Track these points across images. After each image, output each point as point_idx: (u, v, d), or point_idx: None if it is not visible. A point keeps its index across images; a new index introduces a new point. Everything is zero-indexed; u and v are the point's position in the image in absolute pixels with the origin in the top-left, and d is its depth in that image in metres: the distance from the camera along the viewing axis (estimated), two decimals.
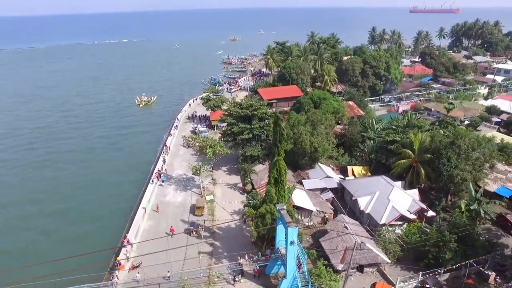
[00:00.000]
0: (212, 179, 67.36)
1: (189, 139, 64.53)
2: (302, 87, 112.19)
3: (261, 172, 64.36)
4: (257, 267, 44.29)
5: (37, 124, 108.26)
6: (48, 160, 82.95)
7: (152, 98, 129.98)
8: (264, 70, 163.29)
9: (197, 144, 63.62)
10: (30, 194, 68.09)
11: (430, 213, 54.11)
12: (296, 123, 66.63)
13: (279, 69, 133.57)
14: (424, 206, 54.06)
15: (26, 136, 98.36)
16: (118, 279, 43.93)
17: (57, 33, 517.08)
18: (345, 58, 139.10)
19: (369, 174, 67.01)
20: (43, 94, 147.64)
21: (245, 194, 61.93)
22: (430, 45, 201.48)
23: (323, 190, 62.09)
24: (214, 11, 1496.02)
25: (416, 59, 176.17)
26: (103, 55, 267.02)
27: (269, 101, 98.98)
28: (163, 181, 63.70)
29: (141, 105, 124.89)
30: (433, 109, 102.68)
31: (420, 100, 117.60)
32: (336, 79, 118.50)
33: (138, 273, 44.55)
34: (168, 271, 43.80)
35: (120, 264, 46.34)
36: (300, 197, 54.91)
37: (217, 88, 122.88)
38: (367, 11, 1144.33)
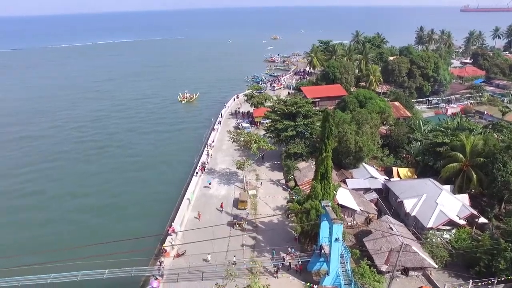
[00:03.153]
0: (255, 174, 68.20)
1: (234, 133, 65.72)
2: (345, 87, 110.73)
3: (304, 169, 64.32)
4: (300, 263, 44.40)
5: (88, 118, 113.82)
6: (98, 152, 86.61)
7: (195, 95, 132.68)
8: (307, 69, 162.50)
9: (242, 139, 64.64)
10: (82, 182, 71.69)
11: (482, 220, 51.80)
12: (341, 121, 65.93)
13: (323, 68, 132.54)
14: (475, 212, 51.82)
15: (78, 129, 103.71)
16: (164, 265, 45.49)
17: (99, 31, 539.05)
18: (390, 58, 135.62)
19: (415, 176, 65.13)
20: (95, 88, 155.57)
21: (288, 190, 62.21)
22: (483, 45, 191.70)
23: (366, 190, 61.12)
24: (253, 10, 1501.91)
25: (467, 60, 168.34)
26: (150, 53, 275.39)
27: (313, 100, 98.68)
28: (209, 183, 64.87)
29: (183, 102, 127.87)
30: (486, 112, 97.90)
31: (471, 103, 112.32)
32: (381, 79, 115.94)
33: (209, 254, 45.50)
34: (209, 254, 45.17)
35: (165, 251, 47.95)
36: (343, 196, 54.38)
37: (260, 85, 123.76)
38: (414, 10, 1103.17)
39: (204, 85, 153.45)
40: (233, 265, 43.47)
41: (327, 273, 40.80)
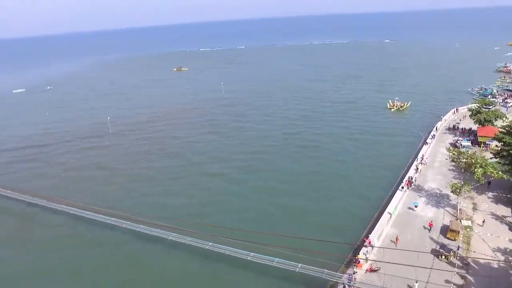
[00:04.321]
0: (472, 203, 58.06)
1: (455, 152, 57.34)
2: None
3: None
4: None
5: (296, 116, 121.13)
6: (300, 151, 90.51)
7: (406, 103, 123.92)
8: None
9: (464, 160, 55.78)
10: (281, 178, 76.08)
11: None
12: None
13: None
14: None
15: (285, 126, 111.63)
16: (356, 276, 43.68)
17: (315, 31, 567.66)
18: None
19: None
20: (306, 87, 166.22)
21: None
22: None
23: None
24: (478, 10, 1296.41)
25: None
26: (363, 55, 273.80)
27: None
28: (415, 206, 58.47)
29: (392, 110, 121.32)
30: None
31: None
32: None
33: (416, 282, 41.03)
34: (416, 281, 40.69)
35: (358, 262, 46.02)
36: None
37: (489, 99, 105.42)
38: None
39: (418, 93, 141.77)
40: None
41: None
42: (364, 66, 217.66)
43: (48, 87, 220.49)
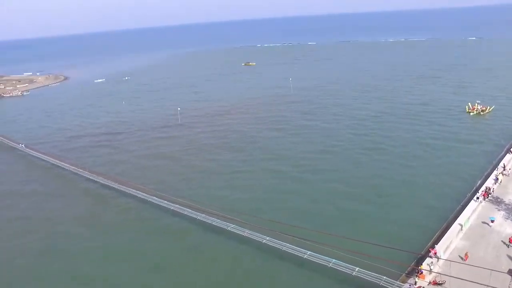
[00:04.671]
0: None
1: None
2: None
3: None
4: None
5: (366, 116, 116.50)
6: (368, 153, 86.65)
7: (488, 107, 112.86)
8: None
9: None
10: (347, 180, 73.59)
11: None
12: None
13: None
14: None
15: (353, 127, 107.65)
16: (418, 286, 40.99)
17: (388, 29, 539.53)
18: None
19: None
20: (378, 86, 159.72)
21: None
22: None
23: None
24: None
25: None
26: (441, 53, 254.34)
27: None
28: (491, 221, 53.07)
29: (471, 113, 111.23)
30: None
31: None
32: None
33: None
34: None
35: (421, 272, 43.14)
36: None
37: None
38: None
39: (504, 97, 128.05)
40: None
41: None
42: (442, 65, 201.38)
43: (126, 78, 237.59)
